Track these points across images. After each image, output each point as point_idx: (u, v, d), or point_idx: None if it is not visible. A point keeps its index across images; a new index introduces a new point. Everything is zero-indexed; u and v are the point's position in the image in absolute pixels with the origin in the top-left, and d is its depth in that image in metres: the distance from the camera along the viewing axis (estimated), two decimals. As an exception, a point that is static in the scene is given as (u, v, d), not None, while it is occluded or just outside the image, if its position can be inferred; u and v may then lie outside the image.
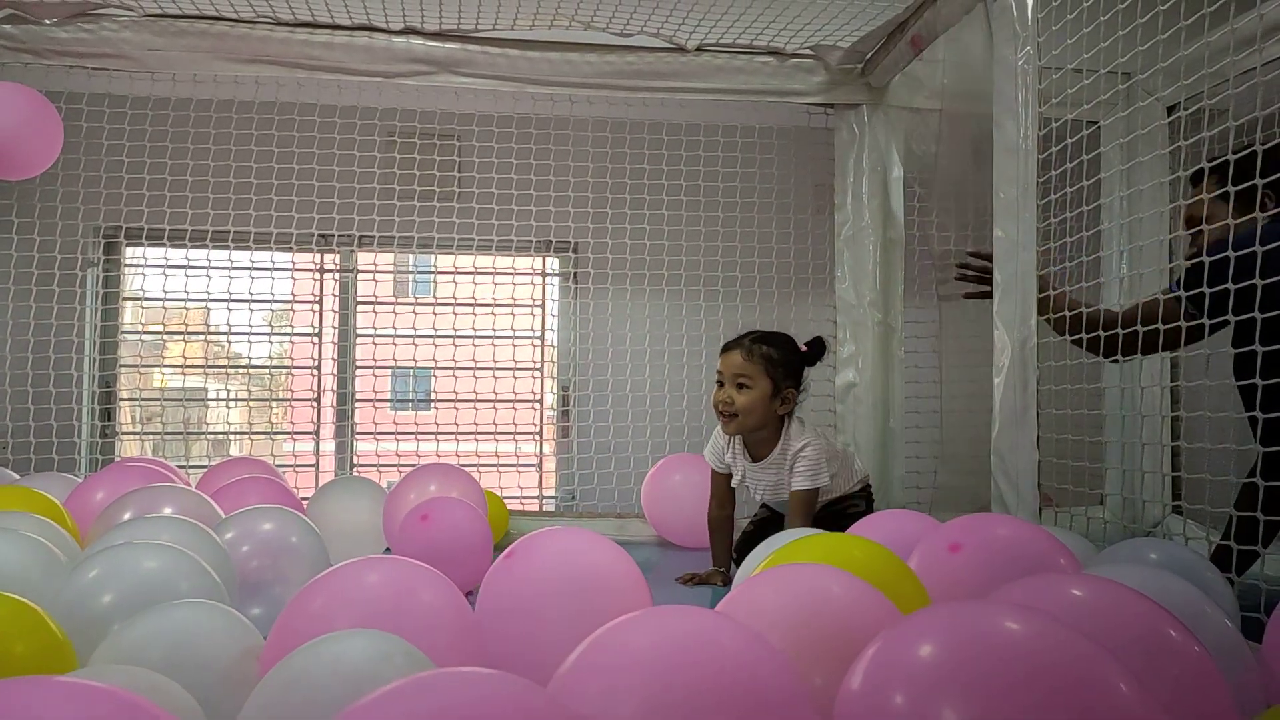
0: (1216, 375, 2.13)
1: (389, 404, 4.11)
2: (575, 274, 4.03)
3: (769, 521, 2.53)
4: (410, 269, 4.20)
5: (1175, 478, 2.73)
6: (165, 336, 3.77)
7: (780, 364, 2.33)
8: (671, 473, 2.91)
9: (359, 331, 3.95)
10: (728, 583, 2.19)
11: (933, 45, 2.91)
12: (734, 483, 2.40)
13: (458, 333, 3.66)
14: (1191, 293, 1.96)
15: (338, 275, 3.92)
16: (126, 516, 1.91)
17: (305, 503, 2.48)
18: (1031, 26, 2.27)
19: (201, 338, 3.82)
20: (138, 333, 3.90)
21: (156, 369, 4.02)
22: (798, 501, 2.31)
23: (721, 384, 2.33)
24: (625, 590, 1.35)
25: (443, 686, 0.81)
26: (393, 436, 3.66)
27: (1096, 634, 0.86)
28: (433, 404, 3.95)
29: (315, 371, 3.90)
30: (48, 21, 2.99)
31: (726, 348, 2.38)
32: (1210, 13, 1.93)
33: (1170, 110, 2.64)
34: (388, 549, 2.39)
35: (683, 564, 2.57)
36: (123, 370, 3.79)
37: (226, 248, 3.48)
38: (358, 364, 3.92)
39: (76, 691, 0.78)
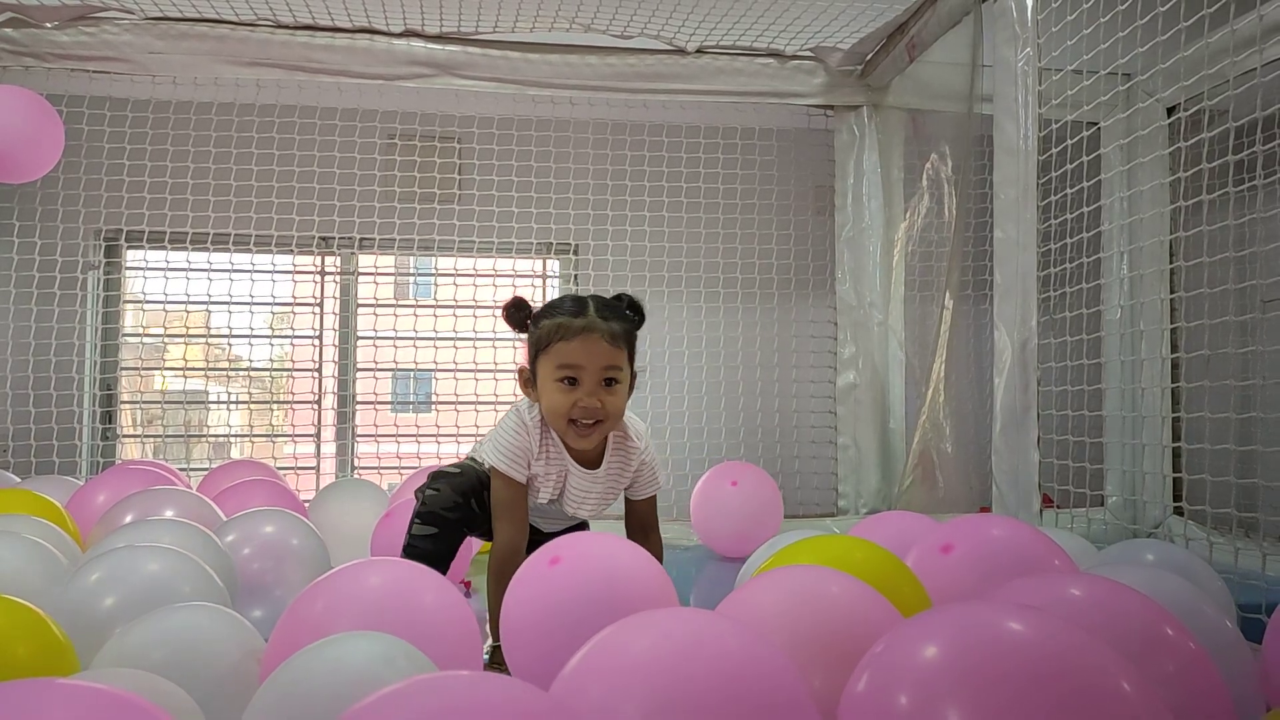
0: (1217, 376, 2.13)
1: (390, 406, 4.10)
2: (576, 276, 4.03)
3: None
4: (411, 271, 4.20)
5: (1176, 479, 2.73)
6: (166, 339, 3.77)
7: (632, 342, 1.75)
8: (724, 479, 2.68)
9: (360, 334, 3.94)
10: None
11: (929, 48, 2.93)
12: (542, 499, 1.78)
13: (458, 335, 3.67)
14: None
15: (338, 277, 3.92)
16: (128, 519, 1.90)
17: (306, 505, 2.48)
18: (1031, 28, 2.28)
19: (202, 340, 3.82)
20: (139, 335, 3.90)
21: (157, 371, 4.01)
22: (653, 509, 1.88)
23: (574, 381, 1.66)
24: (654, 597, 1.33)
25: (444, 689, 0.81)
26: (393, 439, 3.66)
27: (1092, 632, 0.86)
28: (433, 406, 3.94)
29: (316, 374, 3.90)
30: (49, 25, 2.99)
31: (578, 330, 1.67)
32: (1210, 14, 1.93)
33: (1170, 111, 2.65)
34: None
35: (682, 565, 2.57)
36: (124, 373, 3.79)
37: (227, 250, 3.48)
38: (358, 366, 3.92)
39: (78, 694, 0.78)
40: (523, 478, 1.72)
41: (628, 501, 1.87)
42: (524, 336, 1.78)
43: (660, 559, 1.72)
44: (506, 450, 1.71)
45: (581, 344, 1.66)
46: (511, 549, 1.69)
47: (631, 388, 1.76)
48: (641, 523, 1.85)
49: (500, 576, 1.60)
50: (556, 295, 4.12)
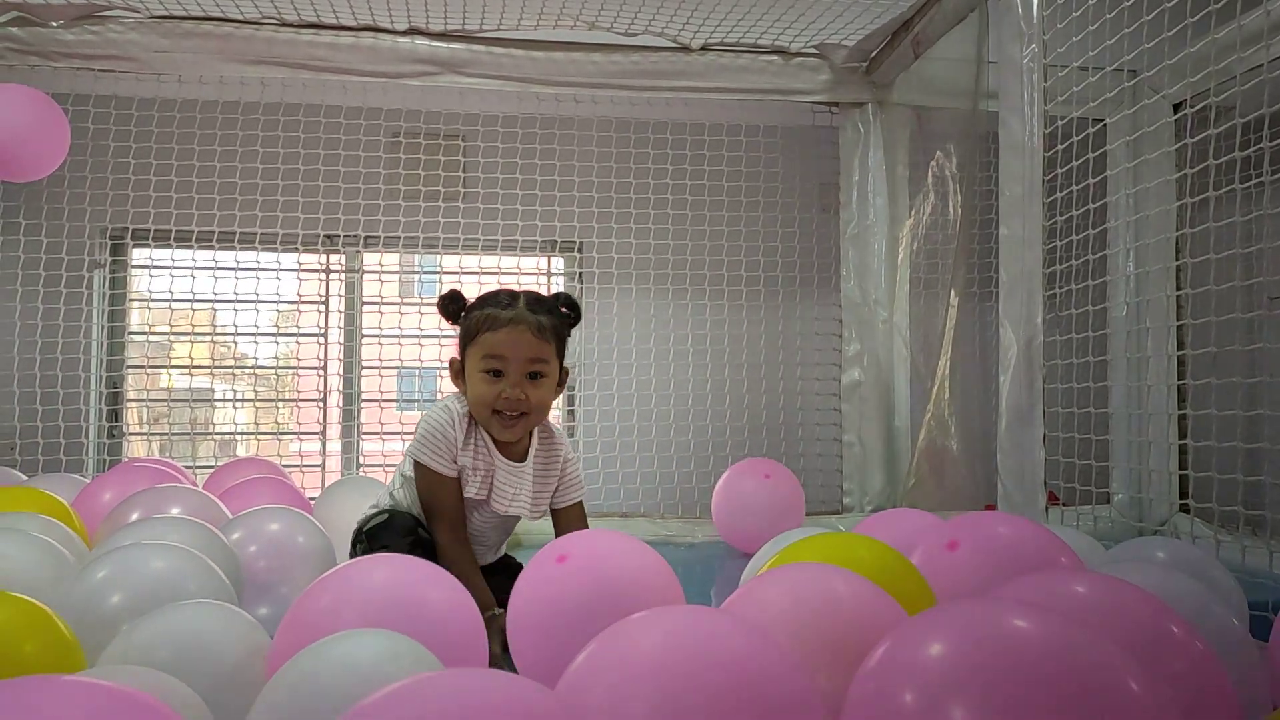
0: (1223, 374, 2.13)
1: (395, 404, 4.11)
2: (580, 274, 4.03)
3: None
4: (416, 269, 4.20)
5: (1182, 476, 2.72)
6: (172, 337, 3.77)
7: (563, 338, 1.77)
8: (744, 478, 2.68)
9: (364, 332, 3.95)
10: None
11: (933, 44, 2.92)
12: (469, 492, 1.75)
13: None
14: None
15: (343, 276, 3.93)
16: (134, 517, 1.91)
17: (312, 503, 2.48)
18: (1037, 24, 2.27)
19: (208, 338, 3.82)
20: (145, 334, 3.92)
21: (163, 370, 4.02)
22: (582, 516, 1.87)
23: (498, 373, 1.68)
24: (661, 595, 1.33)
25: (449, 686, 0.81)
26: (398, 436, 3.66)
27: (1098, 631, 0.86)
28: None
29: (321, 372, 3.90)
30: (54, 24, 3.00)
31: (505, 321, 1.68)
32: (1216, 9, 1.93)
33: (1177, 108, 2.64)
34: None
35: (684, 564, 2.57)
36: (130, 371, 3.80)
37: (232, 249, 3.49)
38: (363, 364, 3.92)
39: (85, 691, 0.78)
40: (449, 470, 1.71)
41: (555, 513, 1.86)
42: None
43: None
44: (430, 442, 1.71)
45: (507, 335, 1.68)
46: (454, 540, 1.69)
47: (562, 383, 1.77)
48: (575, 529, 1.81)
49: (455, 563, 1.61)
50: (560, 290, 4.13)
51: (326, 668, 0.99)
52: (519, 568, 1.75)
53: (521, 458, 1.80)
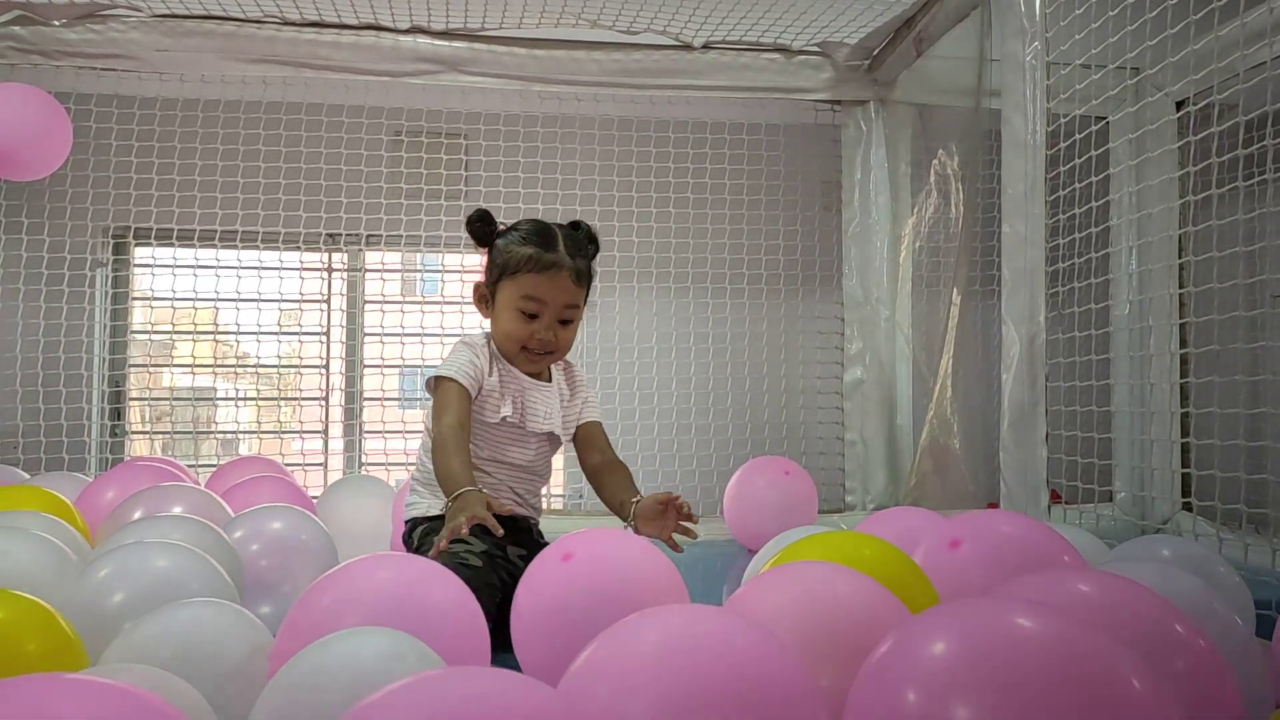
0: (1226, 372, 2.13)
1: (397, 402, 4.11)
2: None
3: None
4: (418, 268, 4.20)
5: (1185, 474, 2.72)
6: (174, 336, 3.78)
7: (593, 277, 1.81)
8: (755, 477, 2.64)
9: (367, 330, 3.95)
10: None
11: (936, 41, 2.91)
12: (505, 412, 1.75)
13: (465, 331, 3.67)
14: None
15: (345, 274, 3.93)
16: (136, 515, 1.91)
17: (315, 501, 2.49)
18: (1039, 22, 2.27)
19: (210, 337, 3.83)
20: (147, 332, 3.92)
21: (166, 368, 4.03)
22: (602, 431, 1.88)
23: (534, 316, 1.71)
24: (665, 594, 1.32)
25: (451, 684, 0.81)
26: (401, 435, 3.67)
27: (1100, 629, 0.86)
28: (441, 402, 3.94)
29: (324, 370, 3.91)
30: (56, 23, 3.00)
31: (548, 265, 1.70)
32: (1220, 7, 1.92)
33: (1180, 105, 2.63)
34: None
35: (687, 562, 2.56)
36: (132, 370, 3.80)
37: (235, 247, 3.49)
38: (366, 363, 3.93)
39: (87, 689, 0.78)
40: (472, 388, 1.70)
41: (582, 430, 1.86)
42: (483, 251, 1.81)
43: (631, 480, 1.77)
44: (458, 367, 1.71)
45: (550, 280, 1.70)
46: (454, 429, 1.64)
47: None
48: (600, 446, 1.85)
49: (449, 445, 1.61)
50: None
51: (330, 666, 0.99)
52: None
53: (546, 379, 1.82)
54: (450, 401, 1.68)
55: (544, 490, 1.93)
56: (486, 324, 1.85)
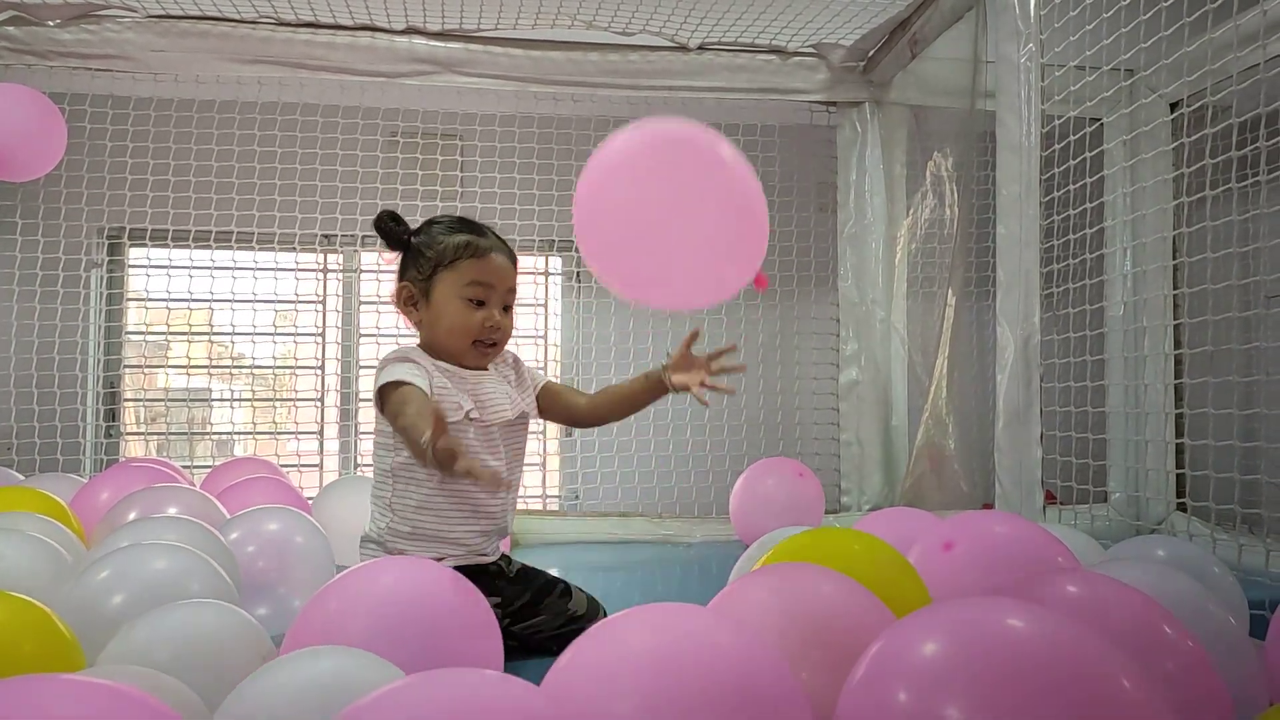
0: (1220, 372, 2.13)
1: (392, 404, 4.10)
2: (578, 273, 4.03)
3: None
4: (413, 269, 4.19)
5: (1179, 475, 2.73)
6: (169, 337, 3.76)
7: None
8: (763, 477, 2.69)
9: (362, 331, 3.95)
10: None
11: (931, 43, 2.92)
12: (467, 407, 1.64)
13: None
14: None
15: (341, 275, 3.92)
16: (131, 517, 1.91)
17: (310, 502, 2.48)
18: (1034, 24, 2.27)
19: (205, 338, 3.82)
20: (142, 333, 3.91)
21: (161, 369, 4.02)
22: (570, 388, 1.84)
23: (481, 303, 1.65)
24: None
25: (439, 686, 0.81)
26: (396, 436, 3.65)
27: (1088, 628, 0.86)
28: (436, 403, 3.94)
29: (319, 371, 3.90)
30: (51, 23, 2.99)
31: (487, 249, 1.66)
32: (1213, 9, 1.93)
33: (1173, 107, 2.64)
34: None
35: (683, 562, 2.57)
36: (127, 371, 3.79)
37: (230, 248, 3.48)
38: (361, 364, 3.92)
39: (84, 690, 0.78)
40: (426, 389, 1.55)
41: (545, 393, 1.79)
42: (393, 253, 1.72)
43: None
44: (403, 372, 1.56)
45: (491, 263, 1.65)
46: (414, 390, 1.52)
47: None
48: (572, 391, 1.82)
49: (408, 400, 1.49)
50: (558, 291, 4.13)
51: (285, 686, 0.98)
52: (527, 571, 1.72)
53: (487, 370, 1.73)
54: (411, 395, 1.52)
55: (520, 491, 1.84)
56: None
